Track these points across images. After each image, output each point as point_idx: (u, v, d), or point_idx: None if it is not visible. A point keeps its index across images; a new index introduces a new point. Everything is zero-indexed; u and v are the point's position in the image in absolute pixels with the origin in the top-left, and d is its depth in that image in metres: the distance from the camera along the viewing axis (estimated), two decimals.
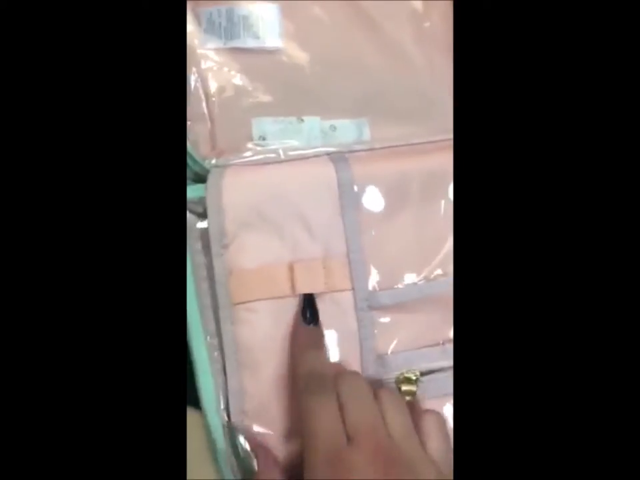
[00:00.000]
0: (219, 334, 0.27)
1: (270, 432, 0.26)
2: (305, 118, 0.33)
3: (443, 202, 0.29)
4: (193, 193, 0.28)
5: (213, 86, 0.31)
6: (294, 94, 0.32)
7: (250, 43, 0.32)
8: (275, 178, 0.28)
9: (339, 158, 0.29)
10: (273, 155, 0.30)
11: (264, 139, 0.32)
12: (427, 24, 0.34)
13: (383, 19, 0.34)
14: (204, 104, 0.31)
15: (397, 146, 0.31)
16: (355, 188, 0.28)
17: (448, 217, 0.29)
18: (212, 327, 0.27)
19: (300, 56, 0.33)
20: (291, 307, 0.27)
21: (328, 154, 0.30)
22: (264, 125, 0.32)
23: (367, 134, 0.33)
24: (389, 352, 0.28)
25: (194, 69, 0.31)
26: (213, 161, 0.29)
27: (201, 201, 0.27)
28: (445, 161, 0.29)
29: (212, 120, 0.31)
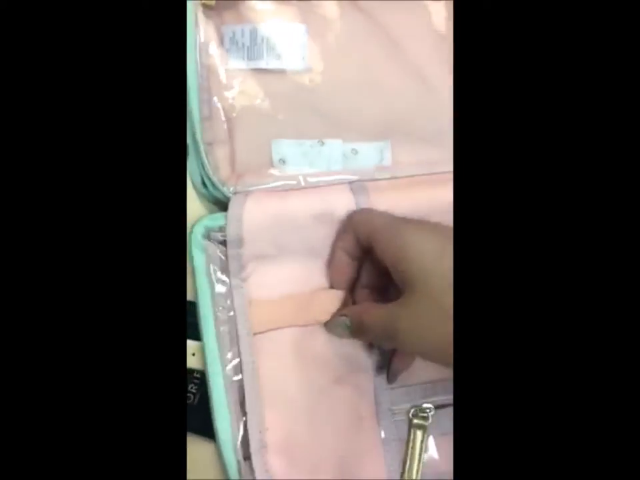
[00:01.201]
0: (238, 364, 0.27)
1: (293, 466, 0.26)
2: (326, 141, 0.32)
3: None
4: (214, 222, 0.28)
5: (234, 107, 0.31)
6: (316, 116, 0.32)
7: (272, 64, 0.31)
8: (295, 209, 0.28)
9: (358, 188, 0.29)
10: (293, 182, 0.30)
11: (284, 162, 0.32)
12: (451, 46, 0.34)
13: (407, 41, 0.33)
14: (225, 126, 0.31)
15: (418, 175, 0.31)
16: None
17: None
18: (230, 357, 0.27)
19: (323, 78, 0.32)
20: (312, 337, 0.27)
21: (348, 182, 0.30)
22: (284, 147, 0.32)
23: (388, 158, 0.33)
24: (403, 383, 0.28)
25: (215, 89, 0.31)
26: (232, 188, 0.29)
27: (222, 229, 0.28)
28: None
29: (232, 142, 0.31)
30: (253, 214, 0.27)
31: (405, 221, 0.26)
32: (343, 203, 0.28)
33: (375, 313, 0.25)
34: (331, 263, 0.28)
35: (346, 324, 0.27)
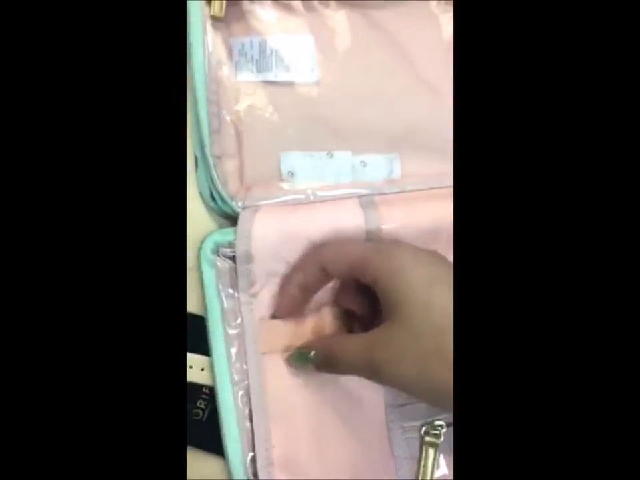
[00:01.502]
0: (246, 382, 0.27)
1: None
2: (335, 153, 0.32)
3: None
4: (223, 237, 0.28)
5: (243, 119, 0.31)
6: (325, 128, 0.32)
7: (282, 77, 0.31)
8: (305, 225, 0.27)
9: (367, 203, 0.29)
10: (302, 196, 0.29)
11: (293, 174, 0.31)
12: None
13: (416, 52, 0.33)
14: (234, 139, 0.30)
15: (427, 189, 0.31)
16: (383, 237, 0.28)
17: None
18: (239, 374, 0.27)
19: (332, 89, 0.32)
20: None
21: (358, 196, 0.30)
22: (293, 159, 0.31)
23: (397, 170, 0.33)
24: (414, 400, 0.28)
25: (224, 102, 0.31)
26: (240, 203, 0.29)
27: (231, 245, 0.27)
28: None
29: (241, 155, 0.31)
30: (262, 230, 0.27)
31: (398, 245, 0.25)
32: (352, 218, 0.28)
33: (349, 343, 0.24)
34: (282, 296, 0.27)
35: (309, 357, 0.26)
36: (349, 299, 0.28)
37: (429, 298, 0.22)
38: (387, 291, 0.23)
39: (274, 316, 0.27)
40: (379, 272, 0.24)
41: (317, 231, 0.27)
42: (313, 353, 0.25)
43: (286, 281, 0.27)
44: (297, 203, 0.29)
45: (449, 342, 0.21)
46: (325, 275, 0.26)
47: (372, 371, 0.23)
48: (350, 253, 0.25)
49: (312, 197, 0.29)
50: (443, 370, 0.21)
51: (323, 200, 0.29)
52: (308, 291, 0.27)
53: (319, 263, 0.26)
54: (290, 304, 0.27)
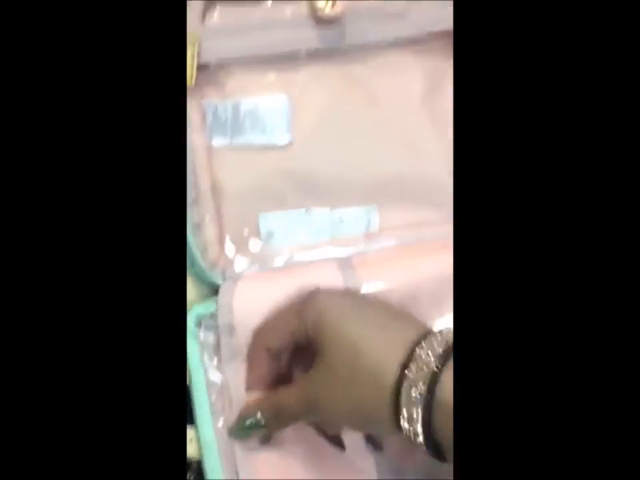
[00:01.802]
0: (234, 455, 0.27)
1: None
2: (312, 210, 0.32)
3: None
4: (206, 309, 0.28)
5: (220, 184, 0.31)
6: (302, 186, 0.32)
7: (257, 140, 0.31)
8: (285, 293, 0.28)
9: (345, 265, 0.29)
10: (281, 260, 0.30)
11: (271, 235, 0.32)
12: (438, 105, 0.34)
13: (391, 105, 0.33)
14: (212, 205, 0.31)
15: (406, 243, 0.31)
16: None
17: None
18: (227, 448, 0.27)
19: (307, 147, 0.32)
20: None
21: (336, 259, 0.30)
22: (271, 220, 0.32)
23: (375, 222, 0.33)
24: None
25: (201, 169, 0.31)
26: (220, 272, 0.29)
27: (214, 316, 0.28)
28: None
29: (220, 220, 0.31)
30: (243, 302, 0.27)
31: (326, 290, 0.27)
32: (330, 282, 0.28)
33: (290, 390, 0.26)
34: (251, 365, 0.27)
35: (257, 421, 0.26)
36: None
37: (349, 335, 0.24)
38: (315, 330, 0.25)
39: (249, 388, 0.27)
40: (306, 323, 0.25)
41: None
42: (259, 414, 0.26)
43: (254, 347, 0.27)
44: (276, 269, 0.29)
45: (362, 364, 0.23)
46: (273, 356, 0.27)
47: (310, 409, 0.25)
48: (284, 321, 0.26)
49: (291, 261, 0.30)
50: (364, 391, 0.23)
51: (302, 265, 0.30)
52: (276, 355, 0.27)
53: (262, 345, 0.27)
54: (263, 371, 0.27)
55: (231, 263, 0.30)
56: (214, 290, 0.29)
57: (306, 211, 0.32)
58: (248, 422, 0.26)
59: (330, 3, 0.32)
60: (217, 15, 0.32)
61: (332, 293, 0.27)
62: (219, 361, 0.28)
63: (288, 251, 0.31)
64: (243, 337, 0.27)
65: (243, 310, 0.27)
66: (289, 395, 0.26)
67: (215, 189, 0.31)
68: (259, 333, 0.27)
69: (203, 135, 0.31)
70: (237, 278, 0.28)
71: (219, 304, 0.27)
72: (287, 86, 0.32)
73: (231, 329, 0.27)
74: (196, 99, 0.31)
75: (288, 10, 0.32)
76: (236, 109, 0.31)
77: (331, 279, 0.28)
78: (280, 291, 0.28)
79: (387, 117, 0.33)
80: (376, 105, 0.33)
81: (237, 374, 0.27)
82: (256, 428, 0.26)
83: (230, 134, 0.31)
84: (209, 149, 0.31)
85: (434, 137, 0.33)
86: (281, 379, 0.27)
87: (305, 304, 0.26)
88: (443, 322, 0.29)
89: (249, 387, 0.27)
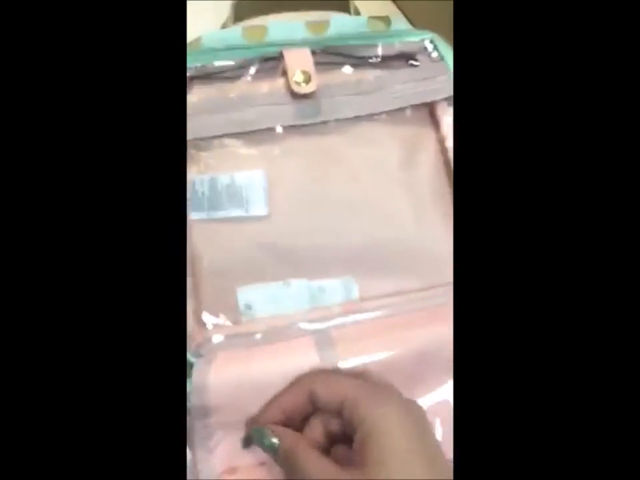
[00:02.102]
0: None
1: None
2: (291, 281, 0.32)
3: (430, 394, 0.28)
4: None
5: (199, 259, 0.31)
6: (280, 258, 0.32)
7: (234, 213, 0.32)
8: (260, 373, 0.27)
9: (325, 342, 0.29)
10: (258, 335, 0.29)
11: (250, 307, 0.31)
12: (415, 173, 0.34)
13: (369, 175, 0.34)
14: (190, 281, 0.30)
15: (387, 314, 0.31)
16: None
17: (435, 409, 0.28)
18: None
19: (285, 220, 0.32)
20: None
21: (314, 332, 0.30)
22: (250, 293, 0.31)
23: (355, 292, 0.33)
24: None
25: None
26: (194, 347, 0.28)
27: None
28: (435, 337, 0.29)
29: (197, 295, 0.31)
30: (217, 382, 0.27)
31: (390, 396, 0.25)
32: (307, 362, 0.28)
33: (319, 462, 0.24)
34: (263, 418, 0.27)
35: (271, 442, 0.25)
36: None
37: (407, 453, 0.23)
38: (366, 443, 0.23)
39: (232, 469, 0.27)
40: (364, 419, 0.24)
41: (272, 377, 0.27)
42: (275, 440, 0.25)
43: (269, 405, 0.27)
44: (253, 348, 0.29)
45: None
46: (310, 405, 0.26)
47: None
48: (344, 388, 0.25)
49: (267, 336, 0.29)
50: None
51: (279, 339, 0.29)
52: (289, 419, 0.26)
53: (308, 391, 0.26)
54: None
55: (207, 337, 0.29)
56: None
57: (284, 282, 0.32)
58: (264, 435, 0.25)
59: (306, 78, 0.33)
60: (195, 92, 0.33)
61: (401, 416, 0.24)
62: (190, 445, 0.27)
63: (266, 323, 0.30)
64: (218, 417, 0.27)
65: (218, 391, 0.27)
66: (315, 465, 0.24)
67: (193, 264, 0.31)
68: (308, 378, 0.27)
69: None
70: (210, 357, 0.28)
71: (192, 383, 0.27)
72: (263, 160, 0.33)
73: (205, 410, 0.26)
74: None
75: (265, 86, 0.33)
76: (213, 183, 0.32)
77: (308, 357, 0.28)
78: (256, 371, 0.27)
79: (364, 187, 0.33)
80: (352, 176, 0.34)
81: (209, 457, 0.26)
82: (268, 447, 0.25)
83: (207, 207, 0.32)
84: (187, 223, 0.31)
85: (411, 206, 0.34)
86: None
87: (374, 402, 0.25)
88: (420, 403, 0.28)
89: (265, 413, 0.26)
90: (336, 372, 0.27)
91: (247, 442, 0.27)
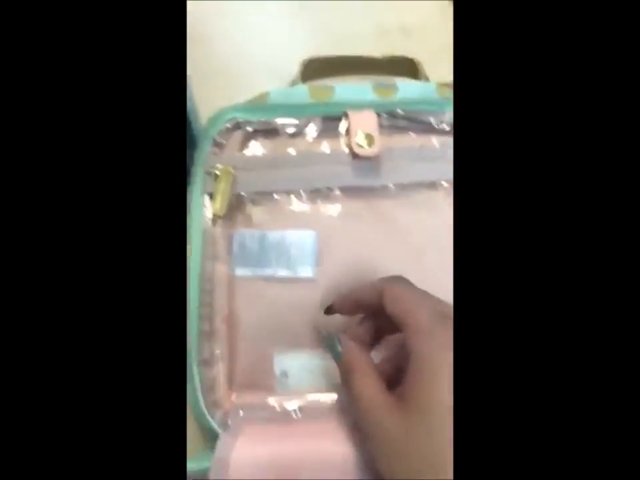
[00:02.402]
0: None
1: None
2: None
3: None
4: (198, 464, 0.25)
5: (237, 318, 0.30)
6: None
7: (281, 273, 0.30)
8: (287, 457, 0.25)
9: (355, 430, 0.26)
10: (290, 411, 0.27)
11: (286, 375, 0.29)
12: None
13: (425, 244, 0.31)
14: (225, 342, 0.29)
15: None
16: None
17: None
18: None
19: (333, 285, 0.30)
20: None
21: (346, 416, 0.27)
22: (287, 360, 0.29)
23: None
24: None
25: (219, 299, 0.29)
26: (220, 414, 0.26)
27: (204, 473, 0.25)
28: None
29: (232, 358, 0.29)
30: (238, 462, 0.24)
31: (441, 334, 0.24)
32: (339, 449, 0.25)
33: (369, 385, 0.24)
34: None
35: (338, 354, 0.26)
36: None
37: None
38: (418, 384, 0.23)
39: None
40: (422, 356, 0.23)
41: (297, 463, 0.25)
42: (340, 347, 0.26)
43: (346, 295, 0.28)
44: (280, 426, 0.26)
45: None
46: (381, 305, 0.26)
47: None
48: (411, 312, 0.25)
49: (299, 414, 0.27)
50: None
51: (311, 418, 0.27)
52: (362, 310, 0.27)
53: (380, 294, 0.26)
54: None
55: (237, 406, 0.27)
56: (210, 434, 0.26)
57: (323, 354, 0.30)
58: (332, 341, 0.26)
59: (369, 140, 0.32)
60: (257, 146, 0.32)
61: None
62: None
63: (300, 397, 0.28)
64: None
65: (240, 471, 0.24)
66: (368, 387, 0.24)
67: (230, 323, 0.29)
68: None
69: (226, 265, 0.30)
70: (237, 431, 0.26)
71: (215, 458, 0.25)
72: (317, 220, 0.31)
73: None
74: (224, 228, 0.30)
75: (327, 146, 0.33)
76: (262, 239, 0.31)
77: (339, 447, 0.25)
78: (283, 454, 0.25)
79: (419, 259, 0.31)
80: (408, 245, 0.31)
81: None
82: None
83: (254, 264, 0.30)
84: (230, 280, 0.30)
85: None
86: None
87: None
88: None
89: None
90: (410, 287, 0.27)
91: (329, 310, 0.28)
